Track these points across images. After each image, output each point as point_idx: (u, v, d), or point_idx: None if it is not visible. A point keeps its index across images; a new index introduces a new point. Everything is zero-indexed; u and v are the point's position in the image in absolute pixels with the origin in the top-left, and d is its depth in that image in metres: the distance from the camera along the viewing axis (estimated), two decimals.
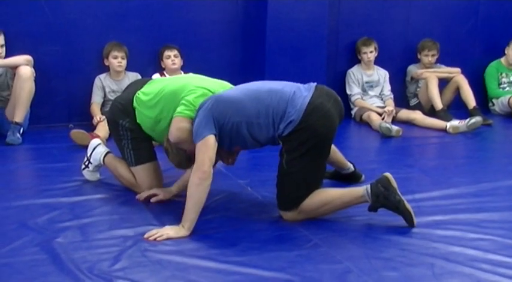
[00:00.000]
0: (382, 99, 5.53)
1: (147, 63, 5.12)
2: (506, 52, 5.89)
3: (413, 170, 3.82)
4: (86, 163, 3.49)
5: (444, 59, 5.71)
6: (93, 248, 2.53)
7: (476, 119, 4.94)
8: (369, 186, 2.76)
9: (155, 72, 5.10)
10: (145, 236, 2.65)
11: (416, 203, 3.15)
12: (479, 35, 5.96)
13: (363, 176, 3.48)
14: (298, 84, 2.90)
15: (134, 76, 4.98)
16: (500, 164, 4.16)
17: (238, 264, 2.41)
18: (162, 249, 2.53)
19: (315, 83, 2.91)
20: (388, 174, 2.77)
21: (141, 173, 3.19)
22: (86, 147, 4.17)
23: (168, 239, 2.62)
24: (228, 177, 3.54)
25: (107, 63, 4.91)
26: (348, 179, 3.44)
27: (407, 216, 2.73)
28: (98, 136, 4.32)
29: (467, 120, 4.93)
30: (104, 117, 4.63)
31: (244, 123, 2.75)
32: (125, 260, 2.42)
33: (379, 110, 5.25)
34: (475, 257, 2.49)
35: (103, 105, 4.89)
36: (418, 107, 5.59)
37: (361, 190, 2.78)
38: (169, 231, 2.67)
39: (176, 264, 2.40)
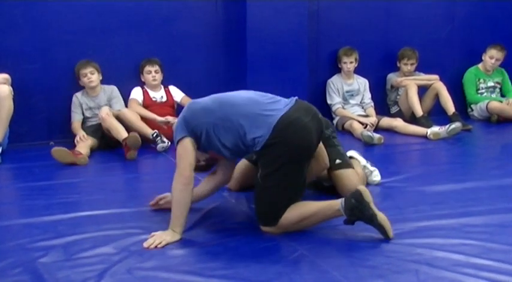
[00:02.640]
0: (363, 108, 5.57)
1: (127, 77, 5.11)
2: (483, 58, 5.98)
3: (396, 176, 3.83)
4: None
5: (423, 67, 5.78)
6: (77, 267, 2.50)
7: (456, 125, 4.99)
8: (343, 200, 2.75)
9: (135, 85, 5.09)
10: (145, 245, 2.68)
11: (399, 209, 3.18)
12: (457, 42, 6.05)
13: None
14: (278, 97, 2.91)
15: (110, 89, 4.96)
16: (481, 168, 4.21)
17: (225, 277, 2.39)
18: (147, 266, 2.51)
19: (296, 98, 2.92)
20: (362, 187, 2.76)
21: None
22: (68, 164, 4.18)
23: (167, 244, 2.68)
24: None
25: (81, 84, 4.91)
26: (329, 190, 3.44)
27: (381, 230, 2.69)
28: (80, 153, 4.31)
29: (447, 126, 4.99)
30: (85, 135, 4.60)
31: (211, 124, 2.78)
32: (110, 278, 2.39)
33: (363, 119, 5.29)
34: (458, 261, 2.51)
35: (83, 122, 4.86)
36: (398, 114, 5.65)
37: (337, 203, 2.76)
38: (165, 236, 2.72)
39: (162, 280, 2.38)
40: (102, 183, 3.92)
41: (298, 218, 2.79)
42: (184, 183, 2.77)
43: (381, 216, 2.69)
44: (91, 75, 4.84)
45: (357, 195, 2.70)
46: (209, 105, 2.85)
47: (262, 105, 2.80)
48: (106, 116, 4.56)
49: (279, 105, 2.83)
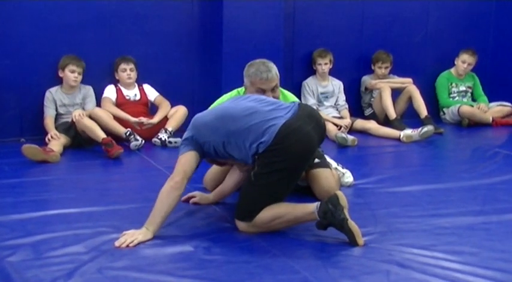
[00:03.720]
0: (337, 110, 5.61)
1: (100, 75, 5.05)
2: (455, 63, 6.07)
3: (369, 178, 3.87)
4: None
5: (397, 70, 5.85)
6: (46, 266, 2.46)
7: (429, 128, 5.06)
8: (319, 203, 2.76)
9: (109, 84, 5.04)
10: (117, 244, 2.66)
11: (372, 211, 3.20)
12: (430, 46, 6.13)
13: None
14: (279, 102, 2.91)
15: (87, 89, 4.91)
16: (452, 171, 4.27)
17: (197, 277, 2.38)
18: (118, 265, 2.48)
19: (298, 102, 2.93)
20: (339, 192, 2.78)
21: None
22: (39, 162, 4.11)
23: (138, 243, 2.67)
24: (185, 189, 3.52)
25: (61, 75, 4.82)
26: (304, 190, 3.45)
27: (350, 236, 2.69)
28: (51, 151, 4.25)
29: (420, 129, 5.05)
30: (58, 133, 4.54)
31: (218, 142, 2.82)
32: (80, 278, 2.36)
33: (337, 121, 5.33)
34: (428, 263, 2.53)
35: (56, 119, 4.79)
36: (372, 116, 5.70)
37: (312, 206, 2.78)
38: (137, 235, 2.71)
39: (133, 280, 2.36)
40: (74, 181, 3.87)
41: (271, 217, 2.80)
42: (172, 186, 2.80)
43: (352, 223, 2.70)
44: (78, 75, 4.79)
45: (334, 200, 2.72)
46: (213, 122, 2.86)
47: (263, 114, 2.79)
48: (79, 117, 4.50)
49: (279, 111, 2.81)
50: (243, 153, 2.80)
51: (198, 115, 3.01)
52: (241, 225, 2.86)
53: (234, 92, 3.54)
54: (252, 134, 2.74)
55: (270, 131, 2.72)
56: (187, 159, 2.85)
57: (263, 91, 3.23)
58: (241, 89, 3.50)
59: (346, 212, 2.70)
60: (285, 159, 2.73)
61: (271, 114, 2.79)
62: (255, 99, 2.94)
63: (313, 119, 2.87)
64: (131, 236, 2.70)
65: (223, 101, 3.32)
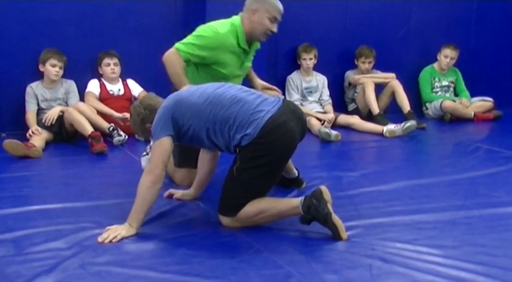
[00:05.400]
0: (321, 105, 5.62)
1: (83, 70, 5.01)
2: (438, 58, 6.12)
3: (352, 173, 3.89)
4: (148, 150, 3.62)
5: (380, 65, 5.87)
6: (27, 262, 2.44)
7: (411, 123, 5.10)
8: (303, 197, 2.77)
9: (92, 78, 5.00)
10: (99, 240, 2.64)
11: (355, 205, 3.22)
12: (413, 41, 6.17)
13: (305, 183, 3.52)
14: (266, 96, 2.90)
15: (69, 84, 4.86)
16: (434, 166, 4.31)
17: (180, 273, 2.38)
18: (101, 261, 2.47)
19: (283, 97, 2.93)
20: (323, 187, 2.79)
21: (181, 174, 3.48)
22: (21, 157, 4.07)
23: (122, 238, 2.66)
24: (168, 184, 3.51)
25: (42, 69, 4.76)
26: (289, 184, 3.47)
27: (334, 230, 2.71)
28: (33, 146, 4.21)
29: (403, 124, 5.09)
30: (39, 129, 4.49)
31: (203, 127, 2.76)
32: (62, 273, 2.35)
33: (320, 116, 5.34)
34: (410, 257, 2.56)
35: (37, 114, 4.74)
36: (356, 111, 5.72)
37: (296, 201, 2.79)
38: (120, 231, 2.70)
39: (116, 275, 2.35)
40: (56, 176, 3.84)
41: (255, 212, 2.80)
42: (152, 181, 2.73)
43: (335, 217, 2.71)
44: (59, 70, 4.74)
45: (317, 194, 2.73)
46: (199, 105, 2.77)
47: (251, 105, 2.77)
48: (67, 113, 4.47)
49: (266, 105, 2.79)
50: (226, 141, 2.78)
51: (181, 93, 2.90)
52: (224, 220, 2.86)
53: (227, 24, 3.49)
54: (236, 123, 2.72)
55: (255, 124, 2.71)
56: (164, 149, 2.75)
57: (274, 20, 3.46)
58: (227, 25, 3.47)
59: (329, 206, 2.71)
60: (268, 154, 2.73)
61: (259, 106, 2.77)
62: (240, 89, 2.92)
63: (296, 115, 2.87)
64: (114, 232, 2.69)
65: (211, 35, 3.38)
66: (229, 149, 2.82)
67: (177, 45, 3.40)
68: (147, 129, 2.97)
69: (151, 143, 3.35)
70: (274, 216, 2.84)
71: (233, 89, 2.89)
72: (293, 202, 2.80)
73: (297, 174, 3.49)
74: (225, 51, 3.43)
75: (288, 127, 2.77)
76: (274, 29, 3.49)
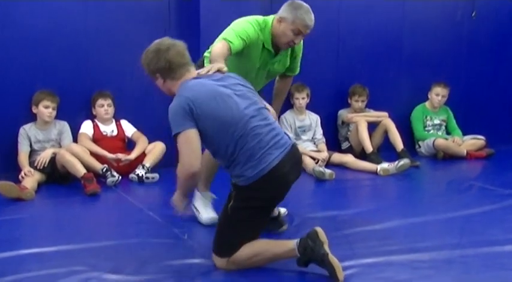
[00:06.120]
0: (314, 143, 5.64)
1: (77, 110, 5.02)
2: (429, 96, 6.19)
3: (347, 212, 3.88)
4: (197, 211, 3.59)
5: (372, 103, 5.92)
6: None
7: (405, 161, 5.12)
8: (299, 239, 2.76)
9: (86, 119, 5.01)
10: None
11: (350, 245, 3.20)
12: (404, 80, 6.24)
13: (285, 226, 3.43)
14: (281, 136, 2.82)
15: (62, 125, 4.86)
16: (428, 204, 4.29)
17: None
18: None
19: (293, 142, 2.88)
20: (318, 228, 2.78)
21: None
22: (14, 199, 4.04)
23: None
24: (163, 225, 3.49)
25: (35, 111, 4.77)
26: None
27: (331, 271, 2.68)
28: (25, 188, 4.19)
29: (396, 162, 5.10)
30: (32, 170, 4.48)
31: (218, 141, 2.75)
32: None
33: (314, 155, 5.35)
34: None
35: (30, 155, 4.73)
36: (349, 150, 5.74)
37: (291, 243, 2.77)
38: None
39: None
40: (48, 218, 3.81)
41: (249, 254, 2.78)
42: (192, 178, 2.75)
43: (332, 257, 2.69)
44: (52, 111, 4.75)
45: (313, 235, 2.72)
46: (223, 121, 2.72)
47: (264, 145, 2.73)
48: (59, 155, 4.47)
49: (278, 147, 2.75)
50: (225, 162, 2.77)
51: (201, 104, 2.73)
52: (218, 262, 2.83)
53: (262, 20, 3.46)
54: (245, 158, 2.70)
55: (259, 168, 2.69)
56: (193, 143, 2.69)
57: (299, 33, 3.39)
58: (260, 21, 3.45)
59: (326, 247, 2.70)
60: (261, 199, 2.75)
61: (270, 148, 2.73)
62: (259, 111, 2.83)
63: (297, 165, 2.88)
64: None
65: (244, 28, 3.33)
66: (226, 166, 2.81)
67: (226, 37, 3.30)
68: (153, 77, 2.93)
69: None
70: (270, 259, 2.82)
71: (250, 113, 2.78)
72: (289, 244, 2.79)
73: (277, 214, 3.41)
74: (253, 46, 3.42)
75: (286, 179, 2.78)
76: (297, 40, 3.43)
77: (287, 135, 2.93)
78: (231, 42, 3.26)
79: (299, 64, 3.78)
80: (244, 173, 2.71)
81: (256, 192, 2.72)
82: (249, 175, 2.70)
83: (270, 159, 2.72)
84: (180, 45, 2.91)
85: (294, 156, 2.85)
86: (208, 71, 2.93)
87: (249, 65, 3.48)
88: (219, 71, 2.95)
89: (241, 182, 2.72)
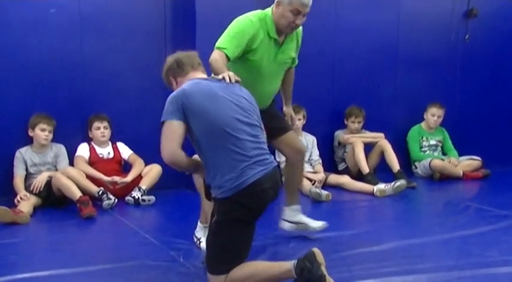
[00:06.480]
0: (311, 165, 5.65)
1: (73, 133, 5.02)
2: (425, 117, 6.22)
3: (344, 233, 3.86)
4: (198, 242, 3.53)
5: (369, 125, 5.95)
6: None
7: (401, 182, 5.12)
8: (296, 260, 2.74)
9: (82, 141, 5.01)
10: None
11: (348, 267, 3.18)
12: (399, 101, 6.27)
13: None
14: (264, 152, 2.83)
15: (58, 148, 4.86)
16: (425, 225, 4.29)
17: None
18: None
19: (275, 164, 2.88)
20: (315, 249, 2.76)
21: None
22: (8, 223, 4.01)
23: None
24: (159, 248, 3.46)
25: (31, 134, 4.77)
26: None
27: None
28: (21, 212, 4.17)
29: (393, 183, 5.10)
30: (28, 194, 4.46)
31: (204, 142, 2.75)
32: None
33: (311, 176, 5.35)
34: None
35: (26, 178, 4.71)
36: (346, 171, 5.74)
37: (288, 264, 2.75)
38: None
39: None
40: (43, 242, 3.79)
41: (247, 275, 2.75)
42: (172, 163, 2.75)
43: (330, 279, 2.67)
44: (49, 133, 4.75)
45: (310, 256, 2.70)
46: (213, 128, 2.72)
47: (248, 159, 2.72)
48: (54, 179, 4.46)
49: (260, 166, 2.75)
50: (207, 168, 2.77)
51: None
52: (213, 280, 2.80)
53: (258, 13, 3.51)
54: (228, 169, 2.69)
55: (241, 181, 2.68)
56: (173, 131, 2.71)
57: (298, 13, 3.40)
58: (259, 14, 3.50)
59: (323, 268, 2.68)
60: (240, 212, 2.72)
61: (254, 165, 2.72)
62: (252, 124, 2.85)
63: (276, 185, 2.85)
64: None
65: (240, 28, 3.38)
66: (208, 176, 2.79)
67: (218, 45, 3.35)
68: (169, 82, 3.05)
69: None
70: (266, 280, 2.79)
71: (247, 124, 2.81)
72: (285, 265, 2.76)
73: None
74: (257, 39, 3.45)
75: (265, 196, 2.77)
76: (298, 21, 3.45)
77: (273, 157, 2.92)
78: (224, 48, 3.31)
79: (298, 55, 3.82)
80: (224, 184, 2.70)
81: (235, 205, 2.71)
82: (229, 187, 2.69)
83: (252, 173, 2.72)
84: (191, 52, 3.06)
85: (274, 176, 2.85)
86: (223, 78, 2.96)
87: (260, 60, 3.50)
88: (236, 81, 3.00)
89: (222, 194, 2.71)
